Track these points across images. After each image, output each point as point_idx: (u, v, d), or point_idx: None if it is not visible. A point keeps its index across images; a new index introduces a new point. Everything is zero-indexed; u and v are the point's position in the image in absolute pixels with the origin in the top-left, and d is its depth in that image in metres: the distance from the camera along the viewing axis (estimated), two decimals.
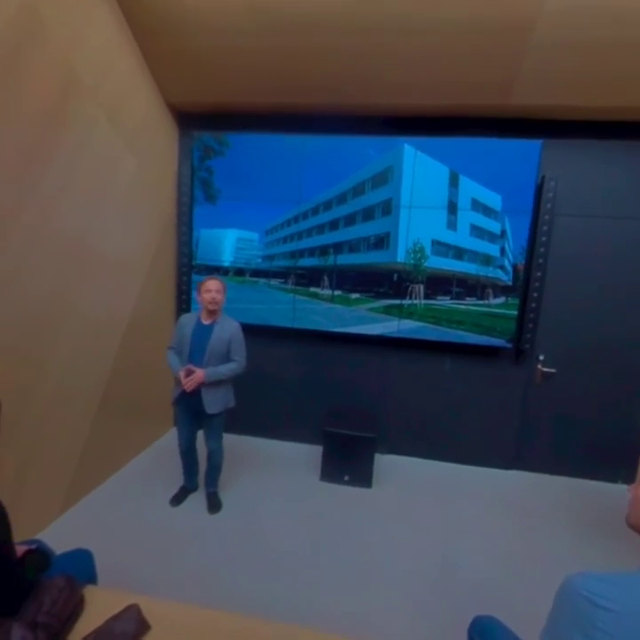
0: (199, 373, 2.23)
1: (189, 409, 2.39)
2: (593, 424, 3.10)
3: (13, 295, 1.91)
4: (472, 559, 2.21)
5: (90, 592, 1.27)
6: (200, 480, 2.67)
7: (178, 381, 2.30)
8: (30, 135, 1.90)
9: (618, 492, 2.98)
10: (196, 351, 2.30)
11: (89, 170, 2.31)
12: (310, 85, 2.76)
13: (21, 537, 1.25)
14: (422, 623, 1.79)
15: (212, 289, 2.27)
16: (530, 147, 2.78)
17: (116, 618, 1.14)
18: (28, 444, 2.09)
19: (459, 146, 2.88)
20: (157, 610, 1.21)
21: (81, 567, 1.41)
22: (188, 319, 2.39)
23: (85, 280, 2.39)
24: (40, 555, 1.23)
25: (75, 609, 1.17)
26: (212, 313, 2.33)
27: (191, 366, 2.26)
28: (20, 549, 1.20)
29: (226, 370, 2.32)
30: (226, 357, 2.35)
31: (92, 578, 1.45)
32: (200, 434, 2.53)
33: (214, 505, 2.52)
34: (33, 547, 1.26)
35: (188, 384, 2.22)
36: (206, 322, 2.34)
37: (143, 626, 1.15)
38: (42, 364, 2.13)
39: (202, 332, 2.32)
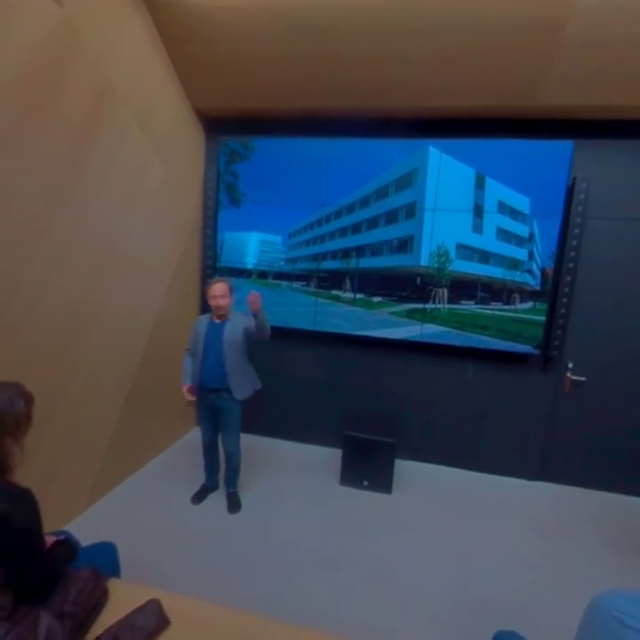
0: (256, 293, 2.20)
1: (209, 406, 2.47)
2: (626, 435, 2.96)
3: (49, 297, 1.99)
4: (493, 572, 2.15)
5: (113, 585, 1.31)
6: (220, 479, 2.71)
7: (189, 389, 2.43)
8: (67, 142, 1.98)
9: None
10: (210, 348, 2.38)
11: (120, 175, 2.39)
12: (334, 89, 2.77)
13: (50, 528, 1.30)
14: (440, 634, 1.76)
15: (216, 295, 2.33)
16: (561, 148, 2.69)
17: (137, 611, 1.17)
18: (59, 439, 2.17)
19: (485, 148, 2.82)
20: (177, 605, 1.23)
21: (105, 560, 1.45)
22: (201, 320, 2.48)
23: (114, 282, 2.47)
24: (68, 546, 1.28)
25: (99, 600, 1.21)
26: (221, 315, 2.41)
27: (253, 292, 2.21)
28: (49, 540, 1.24)
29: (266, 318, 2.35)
30: (242, 346, 2.42)
31: (115, 570, 1.50)
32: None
33: (234, 505, 2.56)
34: (61, 538, 1.31)
35: (255, 302, 2.20)
36: (218, 321, 2.42)
37: (163, 621, 1.17)
38: (73, 363, 2.22)
39: (215, 331, 2.40)
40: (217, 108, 3.16)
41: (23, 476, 1.12)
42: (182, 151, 3.06)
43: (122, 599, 1.24)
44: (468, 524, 2.54)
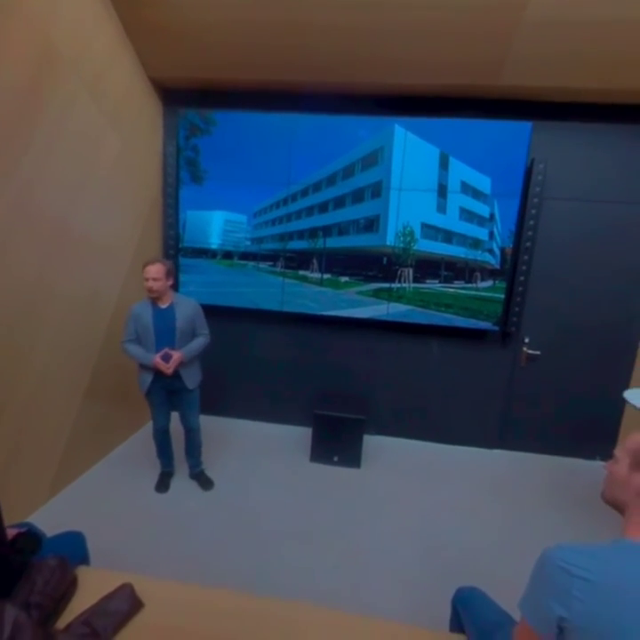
0: (178, 354, 2.28)
1: (165, 390, 2.41)
2: (573, 404, 3.19)
3: None
4: (456, 535, 2.29)
5: (83, 572, 1.29)
6: (176, 463, 2.69)
7: (146, 369, 2.32)
8: (7, 112, 1.82)
9: (596, 468, 3.10)
10: (162, 335, 2.30)
11: (70, 148, 2.23)
12: (299, 62, 2.68)
13: (11, 520, 1.25)
14: (409, 596, 1.86)
15: (148, 277, 2.22)
16: (520, 128, 2.76)
17: (109, 597, 1.16)
18: (16, 429, 2.07)
19: (449, 127, 2.84)
20: (150, 588, 1.24)
21: (73, 549, 1.42)
22: (141, 308, 2.31)
23: (69, 263, 2.34)
24: (31, 537, 1.24)
25: (67, 589, 1.19)
26: (159, 298, 2.29)
27: (168, 350, 2.28)
28: (11, 532, 1.20)
29: (198, 345, 2.41)
30: (191, 334, 2.40)
31: (84, 559, 1.47)
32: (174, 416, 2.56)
33: (207, 481, 2.58)
34: (23, 529, 1.27)
35: (171, 368, 2.27)
36: (164, 305, 2.32)
37: (137, 604, 1.17)
38: (27, 350, 2.10)
39: (165, 316, 2.31)
40: (174, 78, 2.98)
41: None
42: (138, 123, 2.88)
43: (93, 586, 1.23)
44: (432, 492, 2.68)
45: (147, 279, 2.22)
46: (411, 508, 2.50)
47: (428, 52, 2.50)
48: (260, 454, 3.03)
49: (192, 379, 2.43)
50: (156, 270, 2.22)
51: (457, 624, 1.30)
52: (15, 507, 2.03)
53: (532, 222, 2.91)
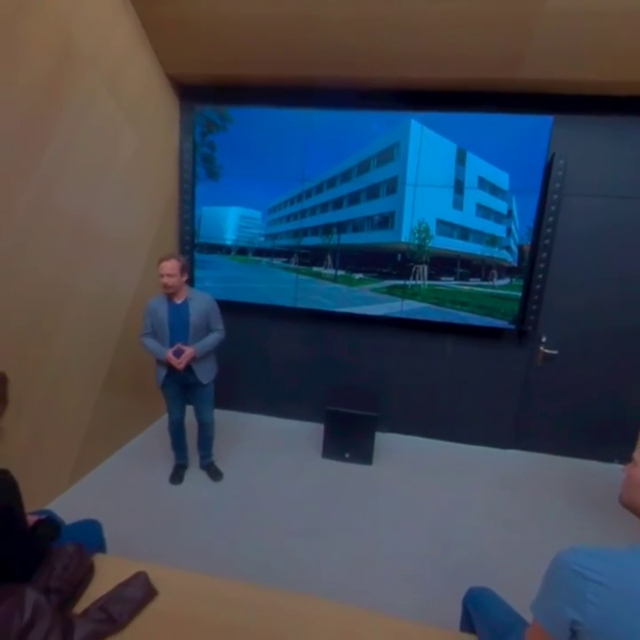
0: (190, 350, 2.30)
1: (180, 383, 2.44)
2: (591, 405, 3.12)
3: (18, 273, 1.91)
4: (469, 534, 2.27)
5: (100, 559, 1.33)
6: (191, 455, 2.73)
7: (162, 363, 2.35)
8: (28, 108, 1.86)
9: (613, 471, 3.03)
10: (177, 330, 2.32)
11: (89, 145, 2.27)
12: (315, 57, 2.66)
13: (31, 508, 1.29)
14: (419, 594, 1.86)
15: (163, 273, 2.23)
16: (540, 123, 2.69)
17: (125, 584, 1.19)
18: (37, 421, 2.13)
19: (467, 122, 2.79)
20: (164, 577, 1.26)
21: (91, 537, 1.46)
22: (157, 303, 2.34)
23: (88, 258, 2.38)
24: (50, 524, 1.28)
25: (85, 575, 1.22)
26: (174, 293, 2.31)
27: (180, 345, 2.30)
28: (31, 519, 1.24)
29: (212, 340, 2.41)
30: (206, 330, 2.41)
31: (101, 547, 1.51)
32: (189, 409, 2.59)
33: (216, 473, 2.63)
34: (43, 517, 1.31)
35: (183, 363, 2.28)
36: (179, 301, 2.33)
37: (151, 592, 1.20)
38: (47, 342, 2.16)
39: (179, 312, 2.33)
40: (191, 74, 3.00)
41: (1, 456, 1.10)
42: (155, 120, 2.92)
43: (109, 573, 1.26)
44: (445, 491, 2.66)
45: (161, 275, 2.24)
46: (422, 506, 2.49)
47: (445, 45, 2.46)
48: (272, 449, 3.05)
49: (206, 374, 2.45)
50: (171, 266, 2.24)
51: (468, 624, 1.29)
52: (36, 495, 2.10)
53: (551, 219, 2.85)
